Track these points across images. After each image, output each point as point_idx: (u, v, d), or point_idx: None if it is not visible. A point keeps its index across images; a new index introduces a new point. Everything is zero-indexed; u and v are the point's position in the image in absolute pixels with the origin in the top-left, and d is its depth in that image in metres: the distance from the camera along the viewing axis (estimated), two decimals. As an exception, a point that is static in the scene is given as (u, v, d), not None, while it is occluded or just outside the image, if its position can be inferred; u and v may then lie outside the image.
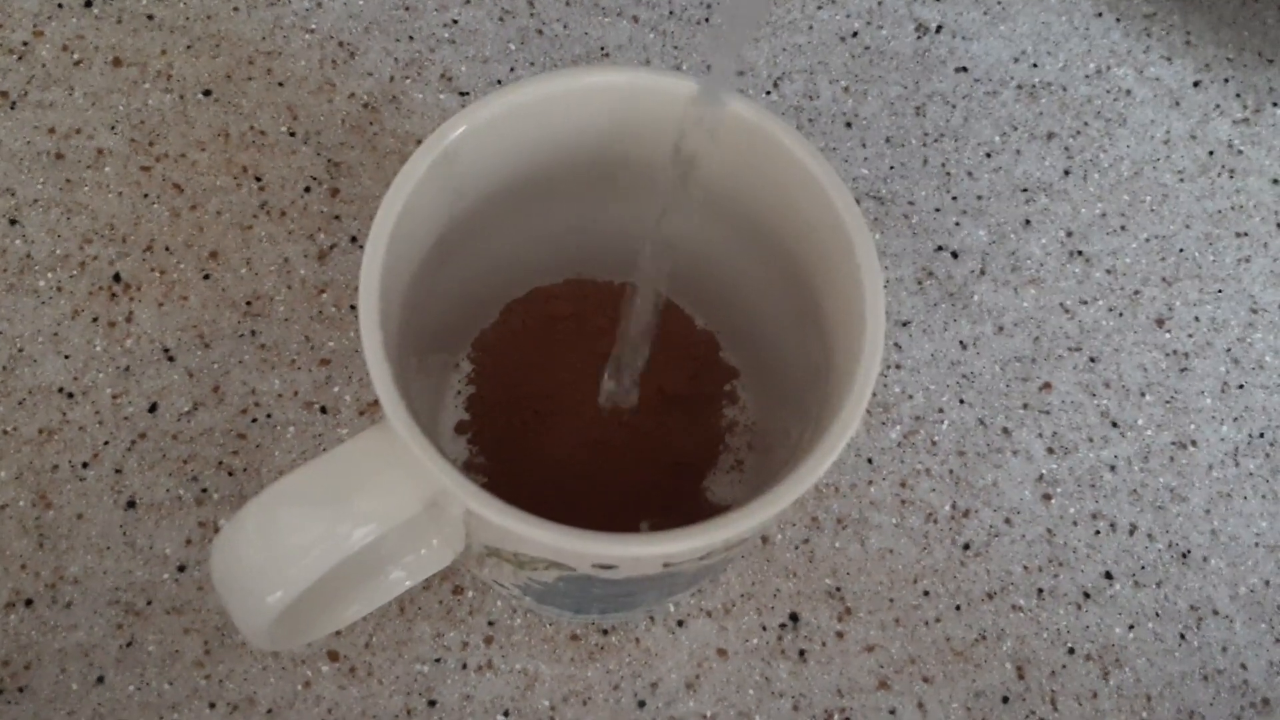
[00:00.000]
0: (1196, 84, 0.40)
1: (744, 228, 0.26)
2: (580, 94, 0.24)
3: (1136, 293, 0.37)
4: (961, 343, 0.36)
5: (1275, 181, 0.39)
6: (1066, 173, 0.39)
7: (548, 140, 0.25)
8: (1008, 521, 0.34)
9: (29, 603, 0.32)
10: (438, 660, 0.32)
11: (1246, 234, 0.38)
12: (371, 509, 0.21)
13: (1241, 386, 0.36)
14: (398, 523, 0.21)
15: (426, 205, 0.23)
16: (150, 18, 0.38)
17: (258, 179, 0.36)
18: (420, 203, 0.23)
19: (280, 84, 0.38)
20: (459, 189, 0.24)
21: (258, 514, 0.22)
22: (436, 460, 0.21)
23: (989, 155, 0.39)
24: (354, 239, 0.36)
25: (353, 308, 0.35)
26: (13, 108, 0.37)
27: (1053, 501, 0.35)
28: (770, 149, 0.24)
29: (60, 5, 0.38)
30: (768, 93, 0.39)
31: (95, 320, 0.34)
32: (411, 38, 0.39)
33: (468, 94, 0.38)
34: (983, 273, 0.37)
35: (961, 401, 0.35)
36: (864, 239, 0.23)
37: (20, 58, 0.37)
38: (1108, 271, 0.37)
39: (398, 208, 0.22)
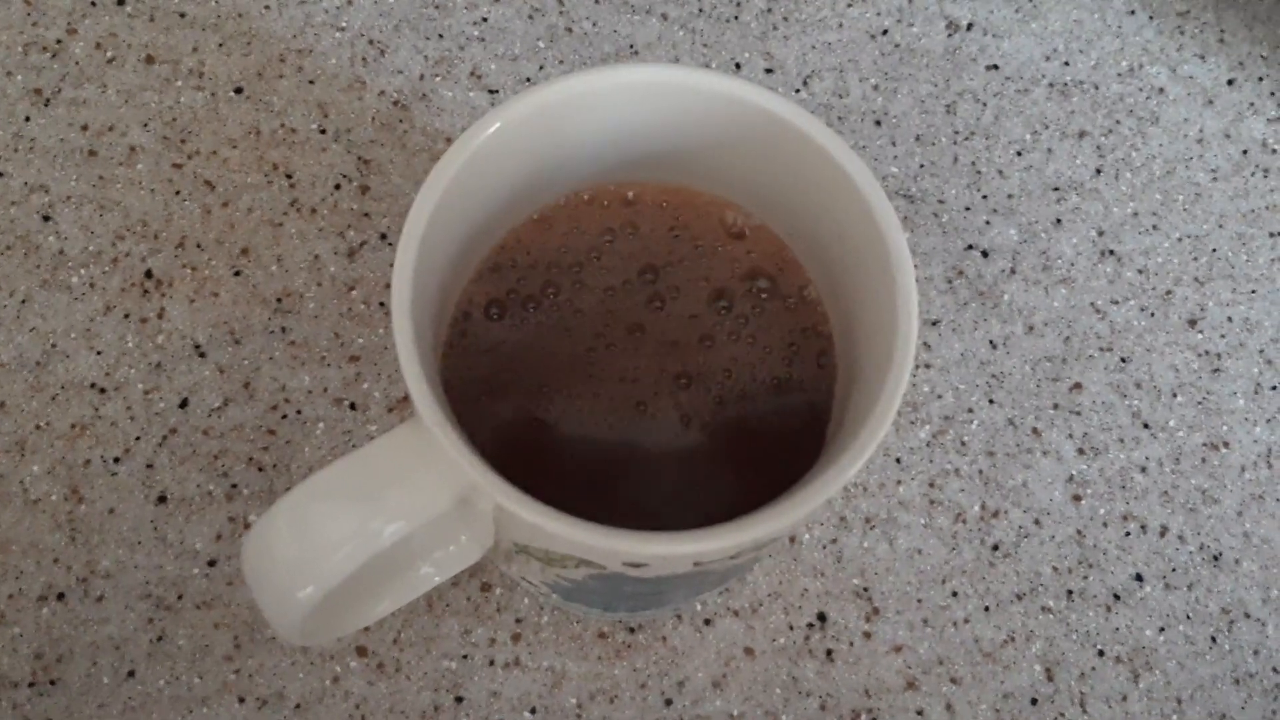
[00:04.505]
0: (1230, 82, 0.40)
1: (777, 227, 0.26)
2: (612, 91, 0.24)
3: (1169, 293, 0.37)
4: (991, 342, 0.36)
5: (1310, 181, 0.39)
6: (1098, 171, 0.38)
7: (578, 137, 0.25)
8: (1037, 522, 0.34)
9: (61, 596, 0.32)
10: (465, 657, 0.32)
11: (1280, 234, 0.38)
12: (403, 505, 0.21)
13: (1275, 388, 0.36)
14: (429, 519, 0.21)
15: (459, 203, 0.23)
16: (182, 16, 0.38)
17: (288, 176, 0.36)
18: (453, 200, 0.23)
19: (311, 82, 0.38)
20: (490, 187, 0.24)
21: (290, 509, 0.22)
22: (469, 457, 0.21)
23: (1020, 154, 0.38)
24: (384, 236, 0.36)
25: (382, 304, 0.35)
26: (46, 105, 0.37)
27: (1083, 502, 0.34)
28: (802, 147, 0.24)
29: (93, 3, 0.38)
30: (797, 90, 0.39)
31: (127, 316, 0.35)
32: (441, 36, 0.39)
33: (497, 91, 0.38)
34: (1013, 272, 0.37)
35: (991, 401, 0.35)
36: (898, 241, 0.23)
37: (54, 55, 0.38)
38: (1139, 271, 0.37)
39: (430, 206, 0.22)
